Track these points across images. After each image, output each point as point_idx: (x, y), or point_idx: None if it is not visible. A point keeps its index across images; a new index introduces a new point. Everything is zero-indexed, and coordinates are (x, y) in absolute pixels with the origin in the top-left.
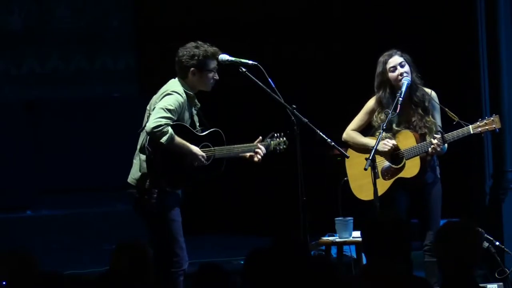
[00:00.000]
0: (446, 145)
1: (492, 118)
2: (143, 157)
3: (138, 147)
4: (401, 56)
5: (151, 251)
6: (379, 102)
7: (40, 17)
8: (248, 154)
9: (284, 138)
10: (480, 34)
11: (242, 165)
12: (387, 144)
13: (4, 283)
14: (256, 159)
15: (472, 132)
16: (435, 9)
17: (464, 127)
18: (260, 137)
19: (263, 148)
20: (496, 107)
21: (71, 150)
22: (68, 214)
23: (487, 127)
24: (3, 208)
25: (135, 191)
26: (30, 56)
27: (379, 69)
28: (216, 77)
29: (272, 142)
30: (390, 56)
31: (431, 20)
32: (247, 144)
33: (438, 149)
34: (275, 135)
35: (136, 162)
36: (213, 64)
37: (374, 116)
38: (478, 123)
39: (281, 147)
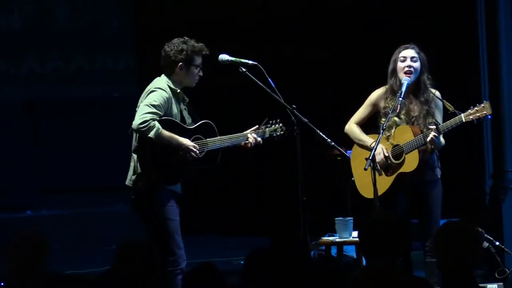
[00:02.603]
0: (442, 139)
1: (482, 105)
2: (135, 157)
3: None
4: (417, 52)
5: (156, 250)
6: (390, 89)
7: (40, 17)
8: (243, 143)
9: (280, 124)
10: (480, 34)
11: (242, 164)
12: (380, 155)
13: (2, 284)
14: (249, 145)
15: (464, 120)
16: (435, 9)
17: (457, 116)
18: (257, 126)
19: (254, 135)
20: (496, 108)
21: (71, 150)
22: (68, 214)
23: (478, 114)
24: (3, 208)
25: (132, 192)
26: (30, 56)
27: (393, 57)
28: (201, 73)
29: (267, 129)
30: (406, 48)
31: (431, 20)
32: (240, 133)
33: (434, 139)
34: (270, 121)
35: (131, 164)
36: (199, 60)
37: (388, 100)
38: (469, 110)
39: (278, 133)
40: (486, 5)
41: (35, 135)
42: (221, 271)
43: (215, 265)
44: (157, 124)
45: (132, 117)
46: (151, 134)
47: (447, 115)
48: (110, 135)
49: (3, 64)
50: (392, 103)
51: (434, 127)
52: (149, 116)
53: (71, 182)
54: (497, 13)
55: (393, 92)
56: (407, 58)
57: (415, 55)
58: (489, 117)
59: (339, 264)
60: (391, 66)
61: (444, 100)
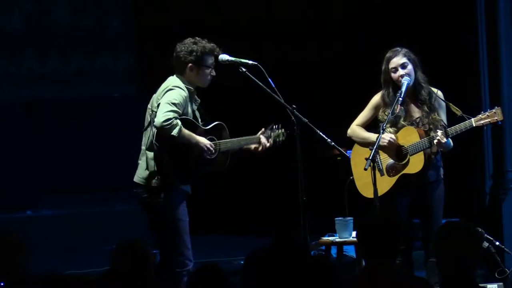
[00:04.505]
0: (451, 140)
1: (494, 111)
2: (151, 154)
3: (144, 146)
4: (405, 55)
5: (151, 251)
6: (383, 100)
7: (40, 17)
8: (252, 146)
9: (282, 130)
10: (480, 33)
11: (242, 164)
12: (384, 138)
13: (2, 284)
14: (260, 149)
15: (474, 125)
16: (435, 9)
17: (466, 120)
18: (263, 129)
19: (264, 139)
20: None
21: (71, 150)
22: (68, 214)
23: (489, 120)
24: (3, 208)
25: (143, 190)
26: (30, 56)
27: (383, 66)
28: (213, 73)
29: (272, 133)
30: (394, 55)
31: (431, 20)
32: (250, 136)
33: (443, 141)
34: (274, 126)
35: (142, 161)
36: (210, 60)
37: (380, 113)
38: (480, 115)
39: (280, 139)
40: (486, 5)
41: (35, 135)
42: (225, 272)
43: (219, 265)
44: (179, 122)
45: (132, 116)
46: (174, 132)
47: (455, 119)
48: (110, 135)
49: (3, 64)
50: (387, 113)
51: (442, 130)
52: (171, 114)
53: (71, 182)
54: (497, 13)
55: (385, 103)
56: (398, 67)
57: (404, 60)
58: (500, 123)
59: (334, 263)
60: (382, 77)
61: (450, 104)
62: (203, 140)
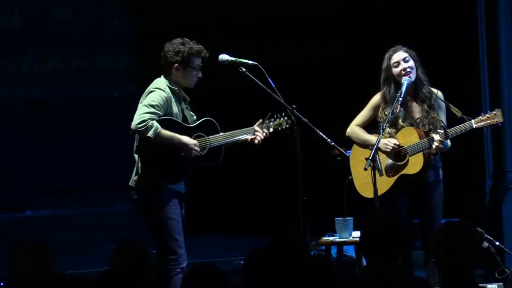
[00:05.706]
0: (449, 141)
1: (494, 112)
2: (137, 157)
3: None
4: (406, 51)
5: (151, 250)
6: (383, 98)
7: (40, 17)
8: (249, 137)
9: (285, 118)
10: (480, 34)
11: (242, 163)
12: (388, 144)
13: (2, 284)
14: (256, 141)
15: (474, 127)
16: (435, 10)
17: (466, 122)
18: (260, 120)
19: (259, 129)
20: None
21: (71, 150)
22: (68, 214)
23: (489, 121)
24: (3, 208)
25: (134, 192)
26: (30, 56)
27: (383, 64)
28: (200, 75)
29: (271, 123)
30: (395, 52)
31: (431, 20)
32: (244, 129)
33: (441, 145)
34: (274, 115)
35: (135, 165)
36: (197, 62)
37: (379, 112)
38: (480, 117)
39: (283, 127)
40: (486, 5)
41: (35, 135)
42: (222, 272)
43: (216, 265)
44: (155, 123)
45: (132, 116)
46: (150, 133)
47: (455, 120)
48: (110, 135)
49: (3, 64)
50: (386, 114)
51: (442, 131)
52: (147, 116)
53: (71, 182)
54: (497, 13)
55: (386, 101)
56: (400, 61)
57: (406, 55)
58: (500, 125)
59: (334, 263)
60: (383, 75)
61: (450, 105)
62: (186, 140)
